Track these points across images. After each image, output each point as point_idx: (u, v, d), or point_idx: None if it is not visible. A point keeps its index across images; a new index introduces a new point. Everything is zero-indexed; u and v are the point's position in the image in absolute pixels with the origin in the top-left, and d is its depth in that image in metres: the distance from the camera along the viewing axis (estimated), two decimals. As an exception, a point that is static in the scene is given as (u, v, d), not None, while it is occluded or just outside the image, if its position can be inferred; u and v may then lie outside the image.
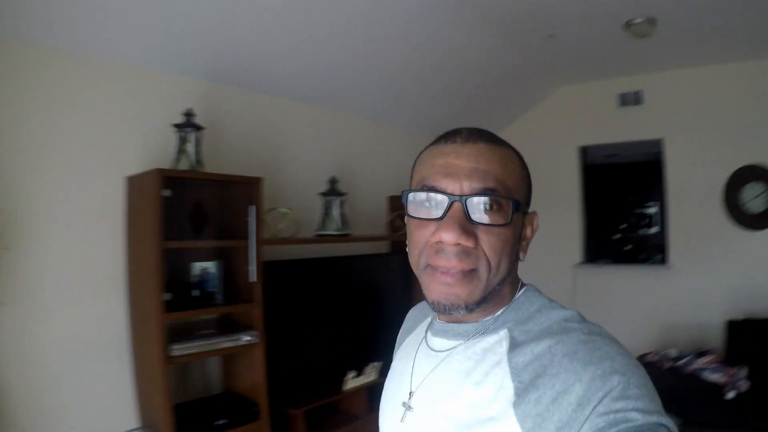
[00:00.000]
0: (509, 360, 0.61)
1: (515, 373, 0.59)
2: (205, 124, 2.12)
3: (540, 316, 0.64)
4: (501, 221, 0.61)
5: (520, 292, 0.68)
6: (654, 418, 0.50)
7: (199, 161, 2.06)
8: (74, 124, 1.96)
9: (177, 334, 2.00)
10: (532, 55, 3.22)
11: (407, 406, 0.69)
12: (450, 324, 0.69)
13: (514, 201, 0.61)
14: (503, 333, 0.64)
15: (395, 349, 0.88)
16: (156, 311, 1.87)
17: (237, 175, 2.18)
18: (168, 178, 1.91)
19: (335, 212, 2.65)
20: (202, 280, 2.16)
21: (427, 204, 0.62)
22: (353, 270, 2.87)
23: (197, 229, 2.17)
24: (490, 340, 0.64)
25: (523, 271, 0.70)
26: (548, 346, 0.59)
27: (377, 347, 2.58)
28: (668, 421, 0.51)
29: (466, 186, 0.60)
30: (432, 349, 0.71)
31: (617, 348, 0.58)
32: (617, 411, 0.50)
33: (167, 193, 1.90)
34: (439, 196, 0.61)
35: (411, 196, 0.64)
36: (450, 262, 0.60)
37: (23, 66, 1.83)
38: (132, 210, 2.06)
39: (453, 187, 0.61)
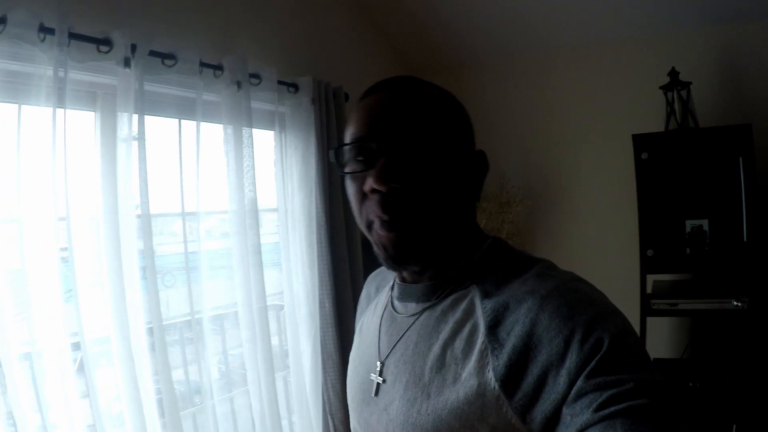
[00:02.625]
0: (483, 315, 0.57)
1: (491, 329, 0.56)
2: (700, 77, 2.10)
3: (510, 268, 0.61)
4: (430, 160, 0.59)
5: (485, 245, 0.66)
6: (646, 376, 0.47)
7: (691, 118, 2.05)
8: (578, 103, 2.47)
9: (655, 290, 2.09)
10: None
11: (381, 379, 0.66)
12: (414, 285, 0.67)
13: (438, 139, 0.60)
14: (473, 288, 0.61)
15: (356, 319, 0.85)
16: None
17: (719, 126, 2.00)
18: (645, 141, 2.05)
19: None
20: (694, 238, 2.04)
21: (359, 158, 0.61)
22: None
23: (674, 188, 2.03)
24: (459, 297, 0.62)
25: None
26: (523, 298, 0.55)
27: None
28: (659, 376, 0.49)
29: (390, 131, 0.59)
30: (399, 314, 0.69)
31: (599, 296, 0.55)
32: (607, 373, 0.47)
33: (644, 155, 2.06)
34: (365, 146, 0.60)
35: (339, 152, 0.63)
36: (385, 209, 0.58)
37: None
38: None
39: (376, 134, 0.60)
